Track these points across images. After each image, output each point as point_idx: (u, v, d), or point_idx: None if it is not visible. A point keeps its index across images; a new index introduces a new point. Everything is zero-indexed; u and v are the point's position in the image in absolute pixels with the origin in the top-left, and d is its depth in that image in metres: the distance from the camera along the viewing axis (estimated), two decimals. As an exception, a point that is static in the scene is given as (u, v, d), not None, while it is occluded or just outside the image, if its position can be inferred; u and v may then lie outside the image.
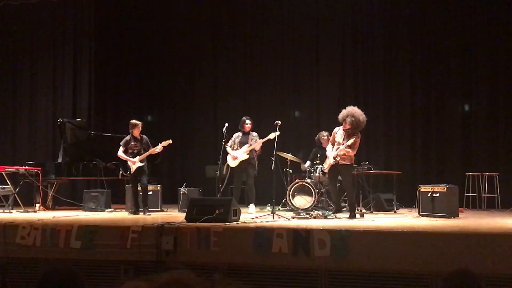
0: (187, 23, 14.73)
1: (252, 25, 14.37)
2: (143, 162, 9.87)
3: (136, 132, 9.92)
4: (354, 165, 10.50)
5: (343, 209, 10.27)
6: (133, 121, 10.01)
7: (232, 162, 10.18)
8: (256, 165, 10.26)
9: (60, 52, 14.34)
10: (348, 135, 8.76)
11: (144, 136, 10.06)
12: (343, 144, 8.70)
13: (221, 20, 14.60)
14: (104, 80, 14.72)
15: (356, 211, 9.04)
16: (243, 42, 14.42)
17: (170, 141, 10.05)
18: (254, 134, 10.31)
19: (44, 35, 14.35)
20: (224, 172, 10.26)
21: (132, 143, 9.92)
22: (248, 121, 10.34)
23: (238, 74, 14.39)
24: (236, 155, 10.14)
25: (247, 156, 10.05)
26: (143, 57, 14.93)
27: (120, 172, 10.86)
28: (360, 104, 13.15)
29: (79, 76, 14.33)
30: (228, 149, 10.24)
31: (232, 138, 10.35)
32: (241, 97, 14.19)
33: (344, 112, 8.84)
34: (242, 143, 10.23)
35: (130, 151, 9.92)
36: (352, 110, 8.82)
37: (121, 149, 9.95)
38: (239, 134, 10.38)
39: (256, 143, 10.07)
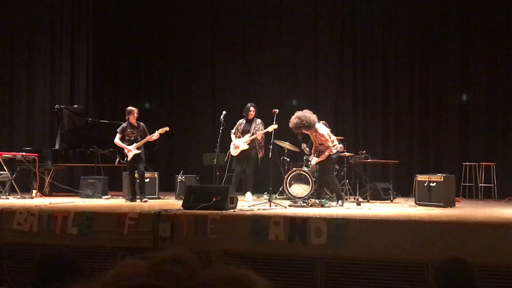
0: (186, 11, 14.68)
1: (251, 13, 14.32)
2: (140, 149, 9.85)
3: (132, 119, 9.90)
4: (349, 154, 10.59)
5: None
6: (129, 107, 9.99)
7: (233, 151, 10.09)
8: (259, 154, 10.04)
9: (58, 38, 14.28)
10: (314, 136, 8.89)
11: (141, 123, 10.04)
12: (319, 145, 8.94)
13: (220, 8, 14.56)
14: (102, 67, 14.71)
15: (343, 198, 9.06)
16: (241, 30, 14.38)
17: (167, 128, 10.03)
18: (258, 121, 10.09)
19: (42, 21, 14.27)
20: (226, 159, 10.21)
21: (129, 130, 9.89)
22: (252, 108, 10.10)
23: (237, 62, 14.36)
24: (237, 144, 10.03)
25: (247, 147, 9.95)
26: (141, 44, 14.91)
27: (117, 159, 10.83)
28: (358, 93, 13.29)
29: (77, 63, 14.30)
30: (232, 136, 10.13)
31: (236, 125, 10.22)
32: (239, 85, 14.18)
33: (293, 125, 8.78)
34: (244, 132, 10.07)
35: (126, 138, 9.90)
36: (298, 118, 8.73)
37: (117, 136, 9.93)
38: (243, 121, 10.21)
39: (257, 132, 9.92)
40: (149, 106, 14.93)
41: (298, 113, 8.79)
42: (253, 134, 9.97)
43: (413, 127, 12.91)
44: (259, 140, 9.97)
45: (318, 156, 8.94)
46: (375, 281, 6.29)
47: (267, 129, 9.71)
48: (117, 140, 9.93)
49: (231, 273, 0.80)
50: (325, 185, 9.52)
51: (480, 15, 12.50)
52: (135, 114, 9.90)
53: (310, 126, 8.72)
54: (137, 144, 9.81)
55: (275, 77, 13.94)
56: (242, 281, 0.79)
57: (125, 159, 9.95)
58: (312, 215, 6.88)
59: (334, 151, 8.98)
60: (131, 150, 9.77)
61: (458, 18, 12.70)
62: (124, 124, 9.96)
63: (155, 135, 9.93)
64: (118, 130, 9.98)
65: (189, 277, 0.78)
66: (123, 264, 0.83)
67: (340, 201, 8.81)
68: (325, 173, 8.98)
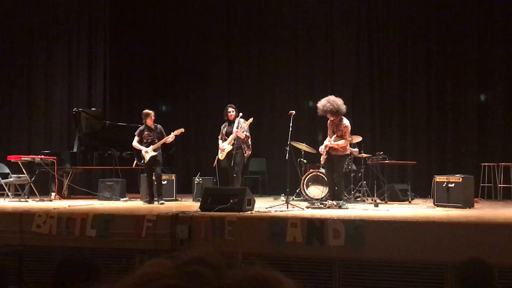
0: (201, 13, 14.72)
1: (267, 14, 14.32)
2: (156, 151, 9.90)
3: (149, 122, 9.96)
4: (366, 155, 10.55)
5: (358, 199, 10.31)
6: (145, 110, 10.05)
7: (220, 154, 9.86)
8: (245, 153, 9.77)
9: (75, 41, 14.39)
10: (336, 125, 8.83)
11: (158, 126, 10.09)
12: (331, 136, 8.87)
13: (237, 9, 14.58)
14: (119, 70, 14.78)
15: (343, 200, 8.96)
16: (257, 31, 14.38)
17: (182, 130, 10.06)
18: (241, 120, 9.80)
19: (59, 24, 14.39)
20: (214, 165, 10.06)
21: (146, 132, 9.96)
22: (230, 109, 9.85)
23: (252, 64, 14.38)
24: (223, 147, 9.79)
25: (231, 147, 9.66)
26: (157, 46, 14.96)
27: (135, 162, 10.86)
28: (375, 94, 13.23)
29: (94, 66, 14.39)
30: (219, 141, 9.92)
31: (221, 129, 9.98)
32: (255, 87, 14.18)
33: (321, 104, 8.86)
34: (228, 134, 9.82)
35: (144, 140, 9.97)
36: (325, 100, 8.86)
37: (135, 138, 10.00)
38: (226, 124, 9.99)
39: (237, 131, 9.61)
40: (166, 108, 14.99)
41: (330, 97, 8.87)
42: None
43: (431, 128, 12.81)
44: (243, 139, 9.70)
45: (331, 149, 8.88)
46: (393, 283, 6.25)
47: (246, 123, 9.67)
48: (135, 143, 10.00)
49: (258, 274, 0.80)
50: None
51: (498, 14, 12.39)
52: (152, 117, 9.97)
53: (338, 113, 8.73)
54: (154, 146, 9.86)
55: (291, 78, 13.92)
56: (270, 282, 0.79)
57: (142, 161, 10.00)
58: (329, 216, 6.87)
59: (347, 152, 9.01)
60: (148, 152, 9.83)
61: (476, 16, 12.58)
62: (142, 127, 10.03)
63: (171, 137, 9.98)
64: (136, 133, 10.06)
65: (216, 278, 0.78)
66: (149, 264, 0.83)
67: (338, 201, 8.65)
68: (335, 172, 8.94)
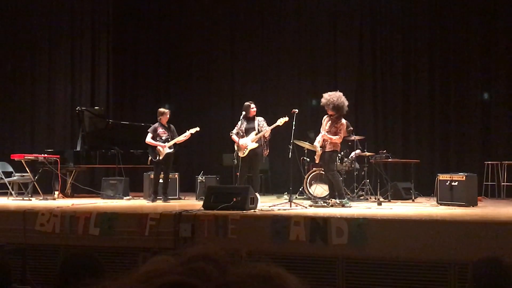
0: (204, 11, 14.72)
1: (270, 12, 14.32)
2: (171, 149, 9.97)
3: (164, 120, 10.08)
4: (370, 153, 10.53)
5: (361, 197, 10.30)
6: (161, 109, 10.23)
7: (241, 152, 9.50)
8: (264, 152, 9.55)
9: (79, 40, 14.38)
10: (332, 121, 8.80)
11: (172, 125, 10.20)
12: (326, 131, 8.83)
13: (239, 7, 14.58)
14: (122, 69, 14.79)
15: (345, 196, 8.92)
16: (260, 30, 14.38)
17: (198, 129, 10.11)
18: (260, 118, 9.58)
19: (63, 22, 14.37)
20: (235, 162, 9.90)
21: (161, 130, 10.02)
22: (253, 105, 9.60)
23: (256, 62, 14.37)
24: (245, 144, 9.43)
25: (257, 145, 9.41)
26: (161, 45, 14.97)
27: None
28: (378, 93, 13.22)
29: (97, 65, 14.38)
30: (234, 137, 9.54)
31: (238, 125, 9.61)
32: (259, 85, 14.18)
33: (325, 100, 8.87)
34: (248, 130, 9.50)
35: (158, 138, 10.01)
36: (333, 94, 8.87)
37: (149, 135, 10.02)
38: (243, 120, 9.64)
39: (264, 130, 9.38)
40: (169, 107, 14.95)
41: (340, 93, 8.89)
42: (259, 132, 9.41)
43: (434, 126, 12.80)
44: (266, 138, 9.50)
45: (323, 146, 8.87)
46: (397, 281, 6.25)
47: (277, 123, 9.34)
48: (149, 139, 10.00)
49: (262, 270, 0.80)
50: (347, 184, 9.47)
51: (502, 11, 12.37)
52: (167, 116, 10.09)
53: (338, 110, 8.72)
54: (169, 143, 9.95)
55: (294, 77, 13.92)
56: (273, 278, 0.79)
57: (158, 157, 9.96)
58: (333, 215, 6.88)
59: (337, 148, 8.97)
60: (165, 146, 9.87)
61: (479, 14, 12.56)
62: (156, 125, 10.12)
63: (187, 135, 10.04)
64: (149, 130, 10.10)
65: (220, 274, 0.78)
66: (154, 260, 0.83)
67: (341, 200, 8.60)
68: (328, 169, 8.93)
